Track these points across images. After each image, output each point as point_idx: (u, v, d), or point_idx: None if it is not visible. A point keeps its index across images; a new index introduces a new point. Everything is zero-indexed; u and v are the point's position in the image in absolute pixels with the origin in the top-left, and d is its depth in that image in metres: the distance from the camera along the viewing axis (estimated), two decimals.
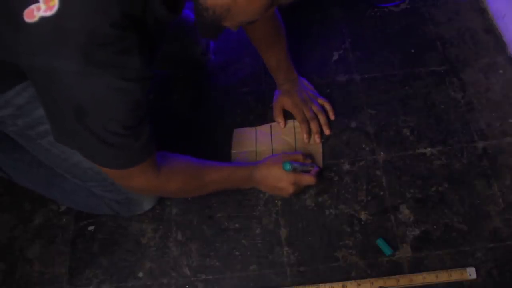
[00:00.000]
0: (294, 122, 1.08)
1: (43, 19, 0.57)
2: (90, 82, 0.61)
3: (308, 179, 0.95)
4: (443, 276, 0.88)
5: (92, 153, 0.72)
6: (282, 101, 1.08)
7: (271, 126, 1.09)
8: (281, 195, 0.97)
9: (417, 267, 0.91)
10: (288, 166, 0.90)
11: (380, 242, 0.93)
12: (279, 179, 0.93)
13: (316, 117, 1.06)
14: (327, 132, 1.06)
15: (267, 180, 0.93)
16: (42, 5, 0.57)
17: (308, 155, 1.02)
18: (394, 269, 0.91)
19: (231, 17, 0.64)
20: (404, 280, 0.89)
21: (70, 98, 0.64)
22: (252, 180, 0.94)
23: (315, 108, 1.07)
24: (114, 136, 0.68)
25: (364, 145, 1.05)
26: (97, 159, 0.73)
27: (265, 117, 1.10)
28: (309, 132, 1.06)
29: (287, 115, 1.09)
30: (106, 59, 0.61)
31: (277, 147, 1.05)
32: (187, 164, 0.87)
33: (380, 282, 0.89)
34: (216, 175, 0.89)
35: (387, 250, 0.92)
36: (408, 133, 1.06)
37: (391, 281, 0.89)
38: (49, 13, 0.57)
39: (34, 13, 0.57)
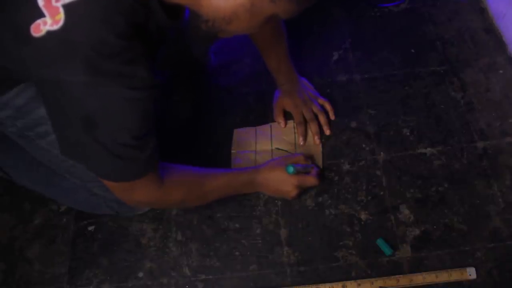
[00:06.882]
0: (294, 122, 1.08)
1: (49, 33, 0.58)
2: (99, 92, 0.62)
3: (311, 180, 0.95)
4: (443, 276, 0.88)
5: (97, 165, 0.72)
6: (282, 101, 1.08)
7: (271, 126, 1.09)
8: (283, 197, 0.97)
9: (417, 267, 0.91)
10: (291, 169, 0.90)
11: (380, 242, 0.93)
12: (283, 183, 0.92)
13: (316, 117, 1.07)
14: (327, 132, 1.06)
15: (270, 184, 0.93)
16: (48, 19, 0.57)
17: (308, 156, 1.02)
18: (394, 269, 0.91)
19: (229, 29, 0.64)
20: (404, 280, 0.89)
21: (79, 110, 0.64)
22: (254, 184, 0.93)
23: (315, 109, 1.07)
24: (121, 147, 0.68)
25: (364, 145, 1.05)
26: (102, 171, 0.73)
27: (265, 117, 1.10)
28: (305, 135, 1.06)
29: (288, 116, 1.09)
30: (114, 70, 0.61)
31: (277, 147, 1.05)
32: (187, 174, 0.86)
33: (380, 282, 0.89)
34: (217, 182, 0.88)
35: (387, 250, 0.92)
36: (408, 133, 1.06)
37: (391, 281, 0.89)
38: (55, 27, 0.57)
39: (41, 27, 0.58)
